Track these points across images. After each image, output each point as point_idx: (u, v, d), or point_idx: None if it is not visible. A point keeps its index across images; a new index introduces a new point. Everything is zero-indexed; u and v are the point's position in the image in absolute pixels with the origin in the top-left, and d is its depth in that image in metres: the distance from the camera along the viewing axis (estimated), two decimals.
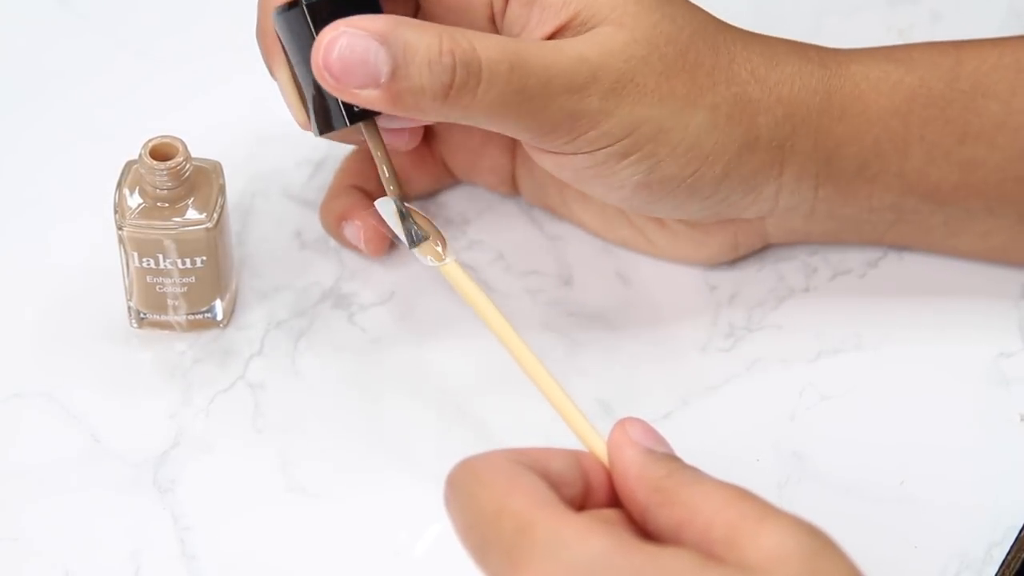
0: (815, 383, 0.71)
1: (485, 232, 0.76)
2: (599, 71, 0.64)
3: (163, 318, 0.72)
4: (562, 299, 0.74)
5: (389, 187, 0.66)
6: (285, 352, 0.72)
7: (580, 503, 0.56)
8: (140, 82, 0.81)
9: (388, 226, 0.67)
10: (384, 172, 0.66)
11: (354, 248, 0.74)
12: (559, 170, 0.68)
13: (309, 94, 0.66)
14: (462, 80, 0.62)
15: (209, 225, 0.69)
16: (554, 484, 0.55)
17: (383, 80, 0.62)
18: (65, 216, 0.76)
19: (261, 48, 0.67)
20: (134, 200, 0.69)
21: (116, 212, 0.69)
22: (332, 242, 0.75)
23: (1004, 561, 0.66)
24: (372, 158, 0.67)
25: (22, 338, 0.72)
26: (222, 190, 0.70)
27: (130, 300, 0.71)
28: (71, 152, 0.78)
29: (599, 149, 0.66)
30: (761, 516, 0.52)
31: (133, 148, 0.68)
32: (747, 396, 0.71)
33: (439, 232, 0.66)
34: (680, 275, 0.75)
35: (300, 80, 0.66)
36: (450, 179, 0.77)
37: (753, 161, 0.68)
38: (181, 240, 0.69)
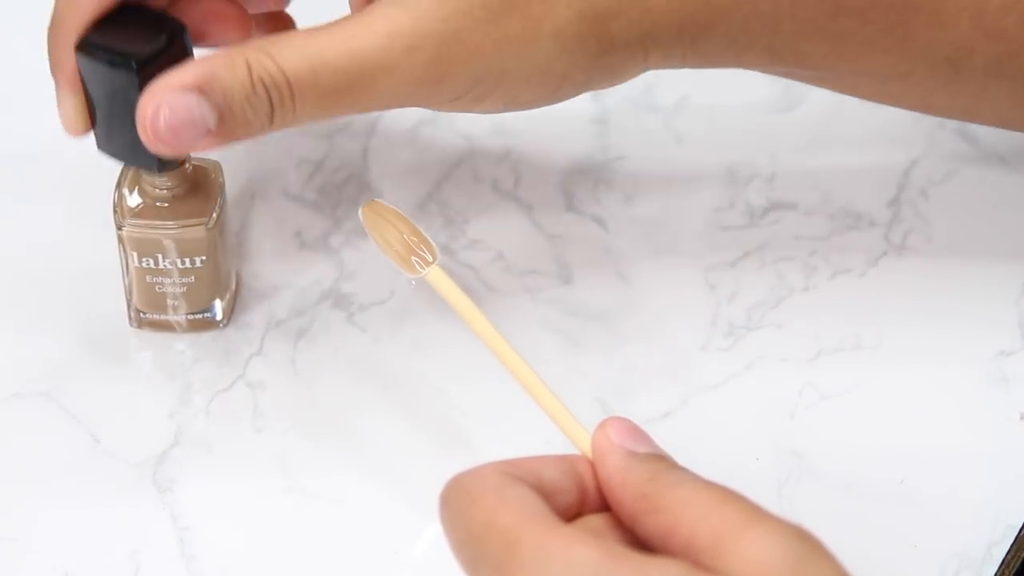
0: (814, 382, 0.71)
1: (485, 232, 0.76)
2: (416, 39, 0.61)
3: (163, 318, 0.72)
4: (562, 299, 0.74)
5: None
6: (285, 352, 0.72)
7: (577, 509, 0.56)
8: None
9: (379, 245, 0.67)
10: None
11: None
12: (419, 106, 0.65)
13: (121, 134, 0.64)
14: (278, 101, 0.61)
15: (209, 225, 0.69)
16: (548, 493, 0.54)
17: (212, 128, 0.61)
18: (65, 216, 0.76)
19: (56, 80, 0.65)
20: (133, 200, 0.69)
21: (116, 212, 0.69)
22: (332, 242, 0.75)
23: (1004, 560, 0.66)
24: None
25: (22, 338, 0.72)
26: (222, 190, 0.70)
27: (130, 300, 0.71)
28: (70, 151, 0.78)
29: (452, 100, 0.64)
30: (746, 521, 0.51)
31: None
32: (747, 395, 0.71)
33: (426, 238, 0.65)
34: (680, 274, 0.75)
35: (103, 118, 0.65)
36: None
37: (614, 61, 0.65)
38: (181, 240, 0.69)
